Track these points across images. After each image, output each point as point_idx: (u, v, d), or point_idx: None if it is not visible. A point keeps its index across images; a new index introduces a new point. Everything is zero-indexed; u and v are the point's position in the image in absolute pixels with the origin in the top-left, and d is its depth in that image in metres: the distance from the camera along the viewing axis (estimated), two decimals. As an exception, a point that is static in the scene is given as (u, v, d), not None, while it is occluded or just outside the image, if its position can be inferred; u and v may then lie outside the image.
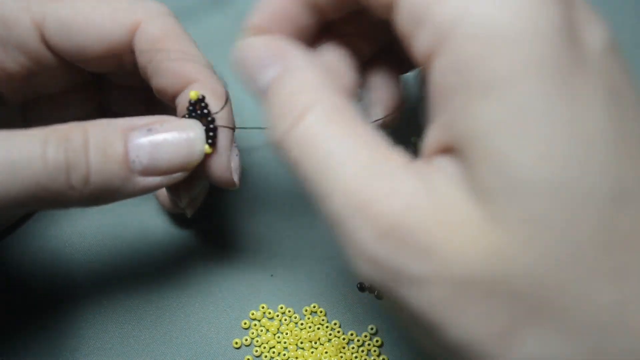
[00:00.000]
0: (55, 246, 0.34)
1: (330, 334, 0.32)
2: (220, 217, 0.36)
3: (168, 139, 0.24)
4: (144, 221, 0.35)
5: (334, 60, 0.25)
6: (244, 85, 0.22)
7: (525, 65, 0.15)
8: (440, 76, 0.17)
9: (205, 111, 0.25)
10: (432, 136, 0.18)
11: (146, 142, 0.24)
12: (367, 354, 0.32)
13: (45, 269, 0.33)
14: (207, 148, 0.25)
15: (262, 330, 0.32)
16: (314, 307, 0.33)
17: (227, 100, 0.27)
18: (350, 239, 0.18)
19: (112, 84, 0.32)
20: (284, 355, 0.32)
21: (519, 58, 0.15)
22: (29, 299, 0.32)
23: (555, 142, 0.15)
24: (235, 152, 0.27)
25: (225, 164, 0.26)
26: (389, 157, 0.18)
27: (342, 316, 0.33)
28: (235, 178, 0.27)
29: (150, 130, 0.24)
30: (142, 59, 0.27)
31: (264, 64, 0.21)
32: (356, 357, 0.31)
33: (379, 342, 0.32)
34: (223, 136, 0.26)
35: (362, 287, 0.33)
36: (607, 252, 0.15)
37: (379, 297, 0.33)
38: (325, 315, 0.33)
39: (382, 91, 0.28)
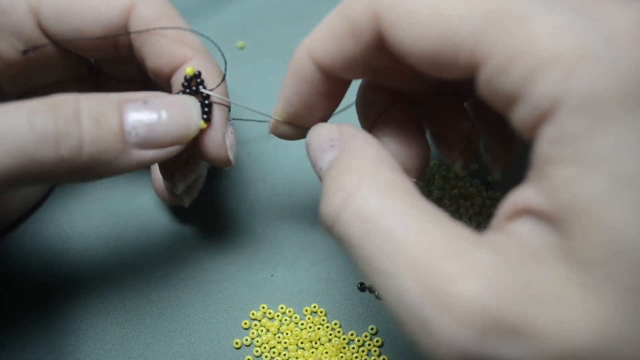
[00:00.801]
0: (55, 246, 0.34)
1: (330, 334, 0.32)
2: (221, 218, 0.36)
3: (164, 108, 0.24)
4: (144, 222, 0.35)
5: (402, 141, 0.25)
6: (314, 170, 0.23)
7: (631, 138, 0.15)
8: (545, 146, 0.17)
9: (201, 87, 0.26)
10: (526, 198, 0.18)
11: (143, 114, 0.23)
12: (367, 354, 0.32)
13: (45, 269, 0.33)
14: (202, 123, 0.25)
15: (262, 330, 0.32)
16: (314, 307, 0.33)
17: (224, 77, 0.27)
18: (425, 328, 0.17)
19: (108, 76, 0.32)
20: (284, 355, 0.32)
21: (624, 131, 0.15)
22: (28, 299, 0.32)
23: None
24: (230, 129, 0.27)
25: (220, 140, 0.26)
26: (457, 232, 0.17)
27: (343, 316, 0.33)
28: (231, 155, 0.27)
29: (146, 103, 0.24)
30: (137, 40, 0.27)
31: (324, 149, 0.22)
32: (356, 357, 0.31)
33: (379, 342, 0.32)
34: (218, 112, 0.26)
35: (362, 287, 0.33)
36: None
37: (379, 297, 0.33)
38: (325, 315, 0.33)
39: (455, 134, 0.28)
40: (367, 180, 0.19)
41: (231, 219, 0.36)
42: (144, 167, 0.24)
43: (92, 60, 0.31)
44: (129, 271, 0.34)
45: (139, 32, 0.27)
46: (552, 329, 0.15)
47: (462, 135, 0.28)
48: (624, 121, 0.15)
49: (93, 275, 0.33)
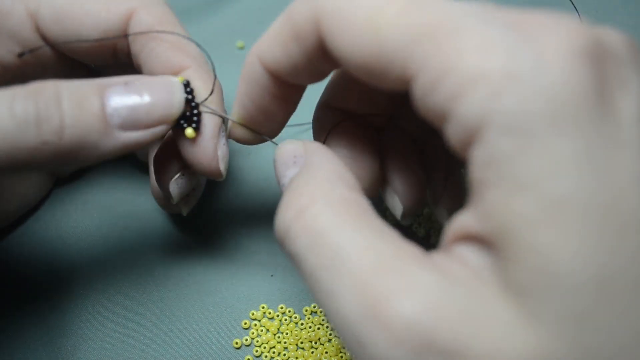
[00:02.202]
0: (54, 246, 0.34)
1: (330, 334, 0.32)
2: (221, 218, 0.36)
3: (145, 89, 0.24)
4: (144, 222, 0.35)
5: (354, 156, 0.25)
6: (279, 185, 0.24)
7: (559, 159, 0.15)
8: (476, 169, 0.16)
9: (190, 97, 0.25)
10: (464, 222, 0.17)
11: (124, 95, 0.23)
12: (367, 354, 0.32)
13: (44, 269, 0.33)
14: (190, 132, 0.25)
15: (262, 330, 0.32)
16: (314, 307, 0.33)
17: (213, 88, 0.26)
18: (362, 346, 0.16)
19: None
20: (284, 355, 0.32)
21: (552, 152, 0.15)
22: (28, 299, 0.32)
23: (594, 235, 0.15)
24: (223, 141, 0.26)
25: (211, 151, 0.26)
26: (404, 250, 0.17)
27: (342, 316, 0.33)
28: (222, 167, 0.26)
29: (127, 84, 0.23)
30: (135, 46, 0.27)
31: (287, 165, 0.23)
32: (356, 357, 0.31)
33: (379, 342, 0.32)
34: (209, 123, 0.26)
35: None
36: None
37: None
38: (325, 315, 0.33)
39: (404, 182, 0.27)
40: (320, 197, 0.19)
41: (231, 219, 0.36)
42: (131, 150, 0.24)
43: (92, 65, 0.31)
44: (129, 271, 0.34)
45: (135, 34, 0.26)
46: (486, 354, 0.15)
47: (409, 180, 0.27)
48: (552, 142, 0.15)
49: (93, 275, 0.33)
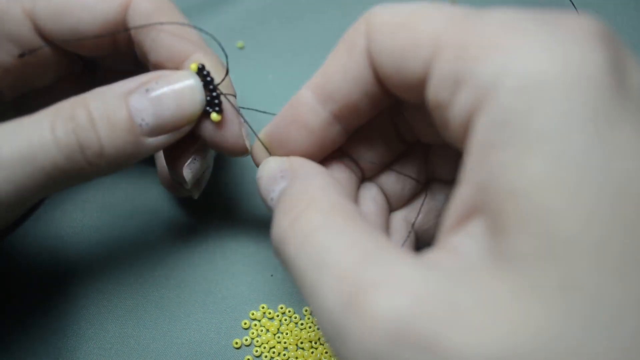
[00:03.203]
0: (55, 246, 0.34)
1: (330, 334, 0.32)
2: (221, 218, 0.36)
3: (167, 93, 0.24)
4: (144, 222, 0.35)
5: (336, 177, 0.25)
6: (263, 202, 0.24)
7: (573, 119, 0.15)
8: (482, 134, 0.16)
9: (208, 79, 0.25)
10: (461, 199, 0.17)
11: (147, 103, 0.24)
12: (367, 354, 0.32)
13: (44, 269, 0.33)
14: (216, 116, 0.25)
15: (262, 330, 0.32)
16: (314, 307, 0.33)
17: (227, 70, 0.27)
18: (340, 335, 0.16)
19: (104, 71, 0.32)
20: (284, 355, 0.32)
21: (566, 111, 0.15)
22: (28, 299, 0.32)
23: (604, 201, 0.14)
24: (241, 119, 0.27)
25: (237, 130, 0.26)
26: (389, 248, 0.17)
27: (342, 316, 0.33)
28: (247, 144, 0.27)
29: (148, 90, 0.24)
30: (137, 36, 0.27)
31: (275, 180, 0.23)
32: (356, 357, 0.31)
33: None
34: (228, 104, 0.26)
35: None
36: None
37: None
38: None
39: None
40: (313, 203, 0.20)
41: (231, 219, 0.36)
42: (162, 149, 0.25)
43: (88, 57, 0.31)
44: (129, 271, 0.34)
45: (137, 27, 0.26)
46: (464, 341, 0.14)
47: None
48: (566, 103, 0.15)
49: (93, 275, 0.33)
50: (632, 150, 0.15)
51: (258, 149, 0.25)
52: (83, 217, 0.35)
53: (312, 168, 0.23)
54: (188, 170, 0.28)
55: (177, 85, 0.25)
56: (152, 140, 0.24)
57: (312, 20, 0.43)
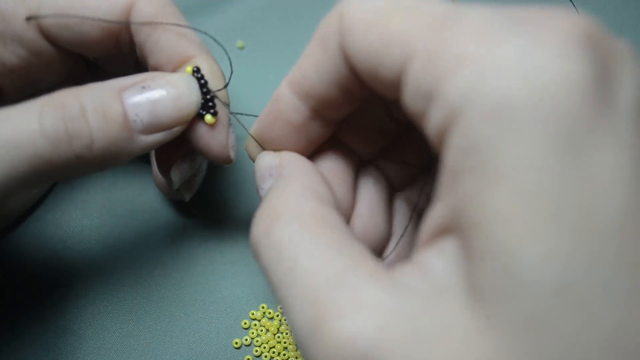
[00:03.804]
0: (54, 246, 0.34)
1: (330, 334, 0.32)
2: (221, 218, 0.36)
3: (164, 92, 0.24)
4: (144, 222, 0.35)
5: (330, 167, 0.25)
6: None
7: (539, 150, 0.14)
8: (452, 156, 0.16)
9: (202, 82, 0.26)
10: (434, 215, 0.17)
11: (143, 100, 0.24)
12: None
13: (44, 269, 0.33)
14: (210, 118, 0.26)
15: (262, 330, 0.32)
16: (314, 307, 0.33)
17: (224, 76, 0.27)
18: (308, 358, 0.16)
19: (106, 72, 0.32)
20: (284, 355, 0.32)
21: (533, 141, 0.14)
22: (28, 299, 0.32)
23: (566, 236, 0.14)
24: (231, 128, 0.27)
25: (223, 139, 0.26)
26: (362, 266, 0.17)
27: (342, 316, 0.33)
28: (232, 154, 0.27)
29: (144, 88, 0.24)
30: (139, 37, 0.27)
31: (264, 178, 0.23)
32: (356, 357, 0.31)
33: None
34: (221, 111, 0.26)
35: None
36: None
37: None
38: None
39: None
40: (289, 211, 0.20)
41: (231, 219, 0.36)
42: (153, 149, 0.25)
43: (91, 58, 0.31)
44: (129, 271, 0.34)
45: (139, 23, 0.26)
46: None
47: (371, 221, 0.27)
48: (534, 131, 0.14)
49: (92, 275, 0.33)
50: (604, 177, 0.14)
51: (252, 145, 0.25)
52: (82, 217, 0.35)
53: (300, 166, 0.23)
54: (176, 172, 0.28)
55: (174, 85, 0.25)
56: (145, 139, 0.24)
57: (312, 20, 0.43)
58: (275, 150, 0.24)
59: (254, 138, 0.25)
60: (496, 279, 0.14)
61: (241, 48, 0.42)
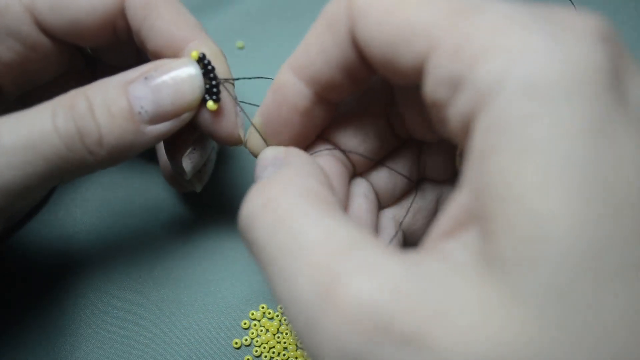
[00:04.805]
0: (55, 246, 0.34)
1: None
2: (220, 218, 0.36)
3: (166, 80, 0.24)
4: (144, 222, 0.35)
5: (328, 170, 0.25)
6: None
7: (570, 126, 0.14)
8: (480, 138, 0.16)
9: (209, 67, 0.25)
10: (457, 205, 0.17)
11: (147, 91, 0.24)
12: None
13: (43, 268, 0.33)
14: (212, 104, 0.25)
15: (262, 330, 0.32)
16: (314, 307, 0.33)
17: (224, 57, 0.27)
18: (311, 325, 0.16)
19: (105, 65, 0.32)
20: (284, 355, 0.32)
21: (564, 118, 0.14)
22: (28, 298, 0.32)
23: (594, 206, 0.14)
24: (237, 108, 0.27)
25: (233, 120, 0.26)
26: (368, 240, 0.17)
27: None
28: (242, 133, 0.27)
29: (147, 79, 0.24)
30: (134, 22, 0.27)
31: (266, 167, 0.23)
32: (356, 357, 0.31)
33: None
34: (225, 93, 0.26)
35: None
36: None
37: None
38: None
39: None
40: (291, 188, 0.19)
41: (231, 219, 0.36)
42: (163, 139, 0.25)
43: (89, 50, 0.31)
44: (129, 271, 0.34)
45: None
46: (451, 340, 0.14)
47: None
48: (564, 109, 0.15)
49: (92, 274, 0.33)
50: (628, 158, 0.15)
51: (253, 137, 0.25)
52: (83, 216, 0.35)
53: (304, 159, 0.23)
54: (188, 161, 0.28)
55: (177, 72, 0.25)
56: (152, 129, 0.24)
57: (312, 20, 0.43)
58: (277, 144, 0.24)
59: (256, 128, 0.25)
60: (522, 247, 0.14)
61: (241, 48, 0.42)
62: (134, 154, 0.25)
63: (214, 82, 0.25)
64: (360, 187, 0.27)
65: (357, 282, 0.15)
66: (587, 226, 0.14)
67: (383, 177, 0.27)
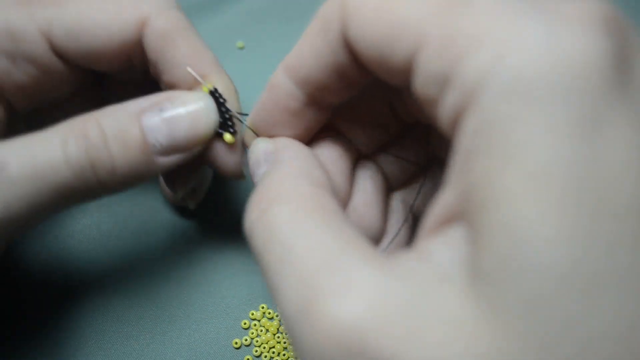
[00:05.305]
0: (55, 247, 0.34)
1: (330, 334, 0.32)
2: (221, 217, 0.36)
3: (181, 113, 0.24)
4: (144, 222, 0.35)
5: (328, 156, 0.25)
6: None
7: (557, 127, 0.14)
8: (466, 138, 0.15)
9: (221, 100, 0.25)
10: (444, 203, 0.16)
11: (161, 122, 0.24)
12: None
13: (45, 270, 0.33)
14: (230, 138, 0.25)
15: (262, 330, 0.32)
16: (314, 307, 0.33)
17: (237, 94, 0.27)
18: (295, 342, 0.16)
19: (114, 81, 0.32)
20: (284, 355, 0.32)
21: (551, 118, 0.14)
22: (29, 300, 0.32)
23: (577, 215, 0.13)
24: (245, 147, 0.27)
25: (239, 157, 0.26)
26: (356, 249, 0.17)
27: (342, 316, 0.33)
28: (244, 170, 0.27)
29: (162, 110, 0.24)
30: (152, 55, 0.27)
31: (259, 163, 0.23)
32: (356, 357, 0.31)
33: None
34: (237, 127, 0.26)
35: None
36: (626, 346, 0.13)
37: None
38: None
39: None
40: (283, 194, 0.19)
41: (231, 219, 0.36)
42: (172, 168, 0.25)
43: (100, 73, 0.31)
44: (129, 271, 0.34)
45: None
46: (424, 356, 0.14)
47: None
48: (551, 108, 0.14)
49: (92, 275, 0.33)
50: (619, 162, 0.14)
51: (248, 135, 0.25)
52: (83, 217, 0.35)
53: (295, 151, 0.22)
54: (180, 184, 0.29)
55: (192, 106, 0.24)
56: (164, 160, 0.24)
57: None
58: (271, 137, 0.24)
59: (250, 129, 0.25)
60: (502, 260, 0.13)
61: (241, 48, 0.42)
62: (143, 182, 0.25)
63: (227, 116, 0.26)
64: (368, 170, 0.26)
65: (335, 301, 0.15)
66: (566, 239, 0.13)
67: (390, 160, 0.27)
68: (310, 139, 0.25)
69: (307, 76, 0.22)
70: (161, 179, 0.33)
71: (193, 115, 0.24)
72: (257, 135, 0.25)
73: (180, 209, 0.35)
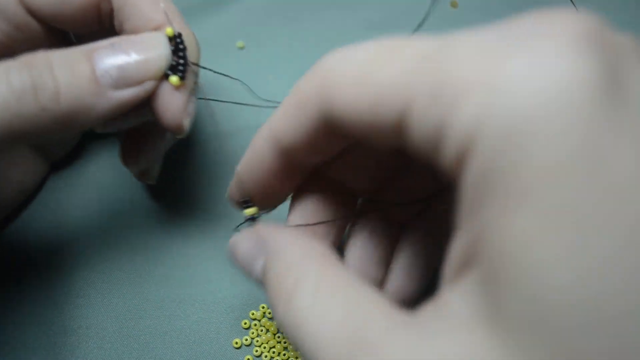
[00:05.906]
0: (52, 245, 0.34)
1: (330, 334, 0.32)
2: (221, 217, 0.36)
3: (133, 45, 0.25)
4: (144, 222, 0.35)
5: (319, 208, 0.25)
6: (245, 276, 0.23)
7: (555, 169, 0.13)
8: (470, 185, 0.15)
9: (181, 46, 0.26)
10: (457, 250, 0.16)
11: (112, 57, 0.24)
12: (367, 354, 0.32)
13: (42, 267, 0.33)
14: (176, 80, 0.26)
15: (262, 330, 0.32)
16: (314, 307, 0.33)
17: (199, 49, 0.27)
18: None
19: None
20: (284, 355, 0.32)
21: (548, 161, 0.13)
22: (26, 298, 0.32)
23: (594, 260, 0.13)
24: (193, 99, 0.27)
25: (182, 103, 0.26)
26: (377, 318, 0.17)
27: (342, 316, 0.33)
28: (185, 123, 0.27)
29: (113, 44, 0.24)
30: (117, 2, 0.27)
31: (252, 257, 0.22)
32: (356, 357, 0.31)
33: (379, 342, 0.32)
34: (190, 76, 0.26)
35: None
36: None
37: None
38: None
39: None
40: (300, 281, 0.20)
41: (232, 219, 0.36)
42: (126, 109, 0.25)
43: (74, 39, 0.31)
44: (129, 270, 0.34)
45: None
46: None
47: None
48: (551, 146, 0.13)
49: (91, 274, 0.33)
50: (626, 190, 0.13)
51: (233, 184, 0.25)
52: (82, 215, 0.35)
53: (285, 238, 0.22)
54: (133, 165, 0.31)
55: (142, 40, 0.25)
56: (115, 94, 0.24)
57: (312, 20, 0.43)
58: (256, 194, 0.25)
59: (238, 179, 0.25)
60: (522, 308, 0.13)
61: (241, 48, 0.42)
62: (96, 121, 0.25)
63: (181, 61, 0.26)
64: (364, 224, 0.26)
65: None
66: (587, 282, 0.13)
67: (391, 198, 0.26)
68: (299, 188, 0.25)
69: (287, 147, 0.22)
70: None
71: (145, 46, 0.25)
72: (242, 185, 0.25)
73: (177, 206, 0.35)
